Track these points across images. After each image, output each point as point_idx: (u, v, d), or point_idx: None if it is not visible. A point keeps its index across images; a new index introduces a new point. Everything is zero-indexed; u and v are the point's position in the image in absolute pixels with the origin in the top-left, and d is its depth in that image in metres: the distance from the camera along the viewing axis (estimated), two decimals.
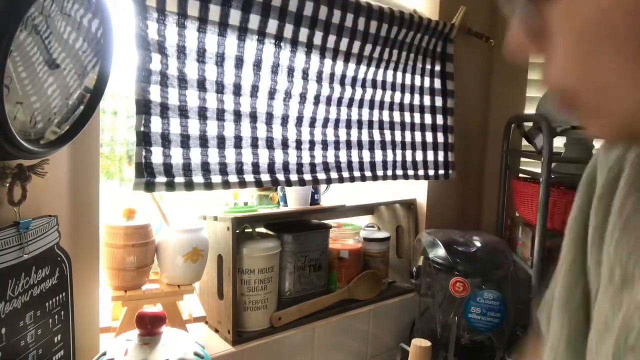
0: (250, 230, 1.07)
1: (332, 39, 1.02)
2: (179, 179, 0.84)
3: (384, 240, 1.30)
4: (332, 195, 1.36)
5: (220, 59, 0.88)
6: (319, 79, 1.04)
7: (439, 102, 1.29)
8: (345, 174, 1.11)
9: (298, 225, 1.18)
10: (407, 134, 1.25)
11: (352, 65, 1.09)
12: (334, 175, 1.09)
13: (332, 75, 1.06)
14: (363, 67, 1.11)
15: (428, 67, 1.26)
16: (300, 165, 1.02)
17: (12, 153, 0.57)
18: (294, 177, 1.01)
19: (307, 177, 1.04)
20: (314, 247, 1.16)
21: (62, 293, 0.72)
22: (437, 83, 1.29)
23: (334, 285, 1.22)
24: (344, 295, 1.19)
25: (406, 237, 1.37)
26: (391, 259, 1.36)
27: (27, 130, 0.60)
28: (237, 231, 0.99)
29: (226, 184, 0.90)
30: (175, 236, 0.92)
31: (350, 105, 1.12)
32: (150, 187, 0.80)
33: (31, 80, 0.58)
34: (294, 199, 1.17)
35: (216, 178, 0.89)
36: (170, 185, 0.82)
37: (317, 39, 1.00)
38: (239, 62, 0.90)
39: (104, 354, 0.71)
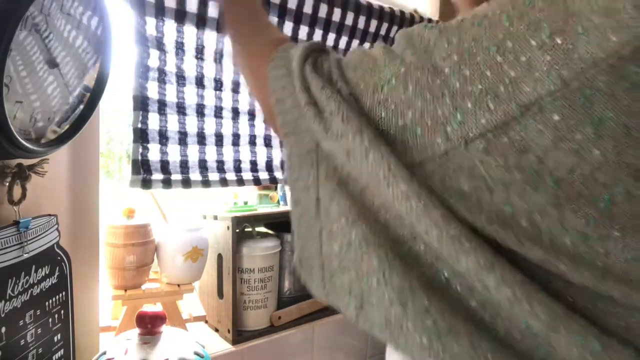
0: (250, 229, 1.07)
1: (331, 37, 1.02)
2: (176, 177, 0.83)
3: None
4: None
5: (219, 56, 0.88)
6: None
7: None
8: None
9: None
10: None
11: None
12: None
13: None
14: None
15: None
16: None
17: (12, 152, 0.57)
18: None
19: None
20: None
21: (62, 292, 0.72)
22: None
23: None
24: None
25: None
26: None
27: (27, 130, 0.60)
28: (237, 230, 0.99)
29: (224, 182, 0.90)
30: (175, 235, 0.92)
31: None
32: (146, 184, 0.79)
33: (31, 79, 0.58)
34: None
35: (213, 176, 0.89)
36: (167, 183, 0.82)
37: (317, 37, 1.00)
38: None
39: (104, 353, 0.71)
